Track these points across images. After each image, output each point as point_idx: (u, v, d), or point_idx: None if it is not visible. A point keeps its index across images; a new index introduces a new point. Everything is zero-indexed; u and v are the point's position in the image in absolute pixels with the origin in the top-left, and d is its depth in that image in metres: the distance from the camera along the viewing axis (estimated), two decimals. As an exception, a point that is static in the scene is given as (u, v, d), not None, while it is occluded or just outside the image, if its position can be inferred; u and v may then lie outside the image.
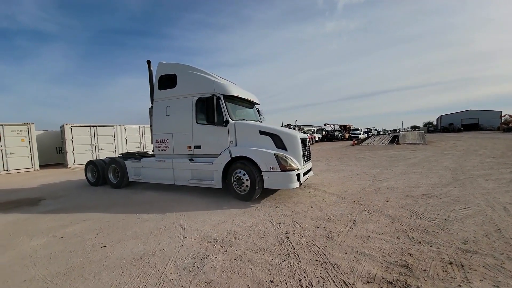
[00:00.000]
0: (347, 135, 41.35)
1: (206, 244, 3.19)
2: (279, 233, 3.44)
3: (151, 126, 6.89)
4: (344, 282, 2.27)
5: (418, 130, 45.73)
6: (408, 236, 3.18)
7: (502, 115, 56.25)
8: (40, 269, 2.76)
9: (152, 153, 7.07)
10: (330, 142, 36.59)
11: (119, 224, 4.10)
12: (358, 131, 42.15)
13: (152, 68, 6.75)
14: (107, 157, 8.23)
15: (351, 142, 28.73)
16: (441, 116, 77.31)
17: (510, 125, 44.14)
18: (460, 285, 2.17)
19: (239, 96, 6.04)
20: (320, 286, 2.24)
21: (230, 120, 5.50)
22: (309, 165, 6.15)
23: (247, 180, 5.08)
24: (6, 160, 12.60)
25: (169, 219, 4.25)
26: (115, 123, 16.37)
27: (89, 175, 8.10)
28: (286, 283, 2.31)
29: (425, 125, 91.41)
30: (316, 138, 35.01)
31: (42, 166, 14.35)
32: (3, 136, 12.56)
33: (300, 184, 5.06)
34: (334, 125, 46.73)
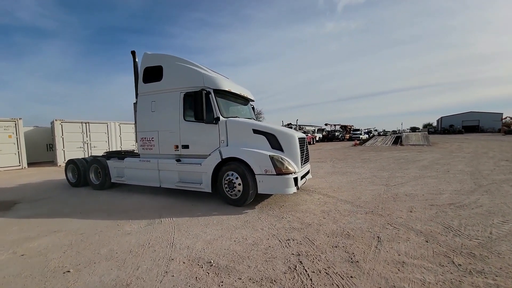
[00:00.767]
0: (348, 135, 40.86)
1: (197, 270, 2.50)
2: (289, 255, 2.77)
3: (135, 123, 6.27)
4: None
5: (420, 131, 45.17)
6: (453, 262, 2.51)
7: (504, 117, 55.87)
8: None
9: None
10: (331, 142, 35.87)
11: (94, 238, 3.41)
12: (359, 132, 41.72)
13: (137, 60, 6.09)
14: (90, 156, 7.53)
15: (352, 142, 28.12)
16: (441, 117, 76.88)
17: (511, 127, 43.74)
18: None
19: (231, 91, 5.46)
20: None
21: (221, 117, 4.95)
22: (307, 167, 5.57)
23: (239, 184, 4.51)
24: (-9, 158, 11.83)
25: (155, 232, 3.56)
26: (109, 120, 15.63)
27: (69, 175, 7.42)
28: None
29: (424, 126, 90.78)
30: (317, 138, 34.45)
31: (30, 164, 13.58)
32: (-12, 132, 11.80)
33: (298, 188, 4.50)
34: (335, 125, 46.13)
